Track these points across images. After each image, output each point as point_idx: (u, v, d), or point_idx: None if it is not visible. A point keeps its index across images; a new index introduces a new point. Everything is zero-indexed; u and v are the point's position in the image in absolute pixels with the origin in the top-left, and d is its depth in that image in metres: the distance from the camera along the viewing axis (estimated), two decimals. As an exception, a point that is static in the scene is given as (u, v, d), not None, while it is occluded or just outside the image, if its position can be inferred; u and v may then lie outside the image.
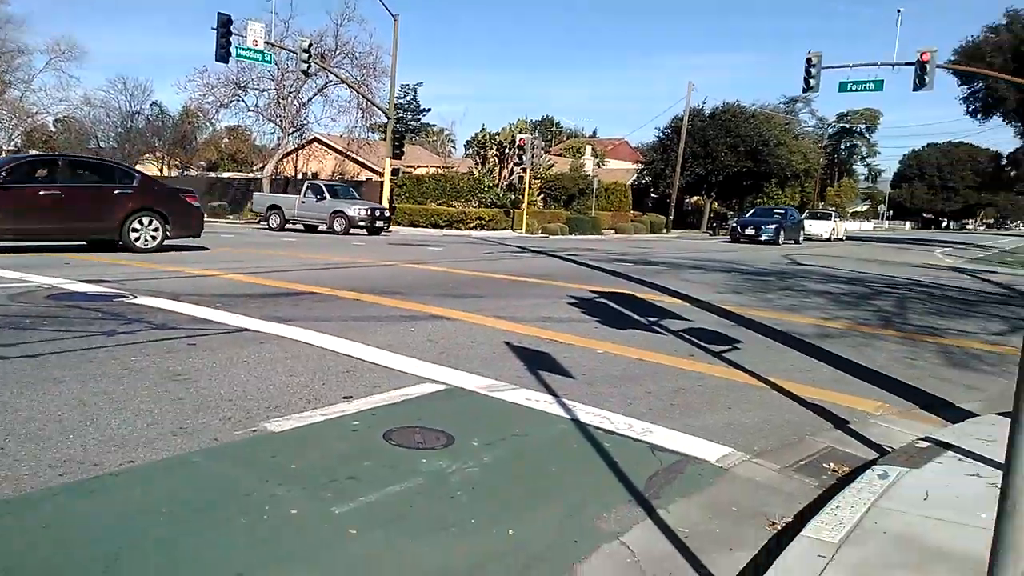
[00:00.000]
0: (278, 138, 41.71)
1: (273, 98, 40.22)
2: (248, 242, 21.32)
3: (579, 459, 4.17)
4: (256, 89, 40.01)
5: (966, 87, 42.71)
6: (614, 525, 3.36)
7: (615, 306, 10.18)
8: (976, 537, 3.12)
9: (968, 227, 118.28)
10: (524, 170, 35.88)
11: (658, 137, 51.57)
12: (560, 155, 57.16)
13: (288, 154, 45.82)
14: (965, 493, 3.63)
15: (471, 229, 33.55)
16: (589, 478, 3.90)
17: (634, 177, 54.13)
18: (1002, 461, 3.96)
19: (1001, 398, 5.86)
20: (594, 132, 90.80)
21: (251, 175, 47.46)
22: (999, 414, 5.11)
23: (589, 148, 62.30)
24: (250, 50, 28.93)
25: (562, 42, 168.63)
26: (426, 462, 3.96)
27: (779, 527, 3.46)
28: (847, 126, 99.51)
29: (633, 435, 4.59)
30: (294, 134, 42.78)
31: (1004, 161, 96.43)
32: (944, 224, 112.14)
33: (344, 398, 5.04)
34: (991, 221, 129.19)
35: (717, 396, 5.69)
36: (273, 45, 31.83)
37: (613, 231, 39.91)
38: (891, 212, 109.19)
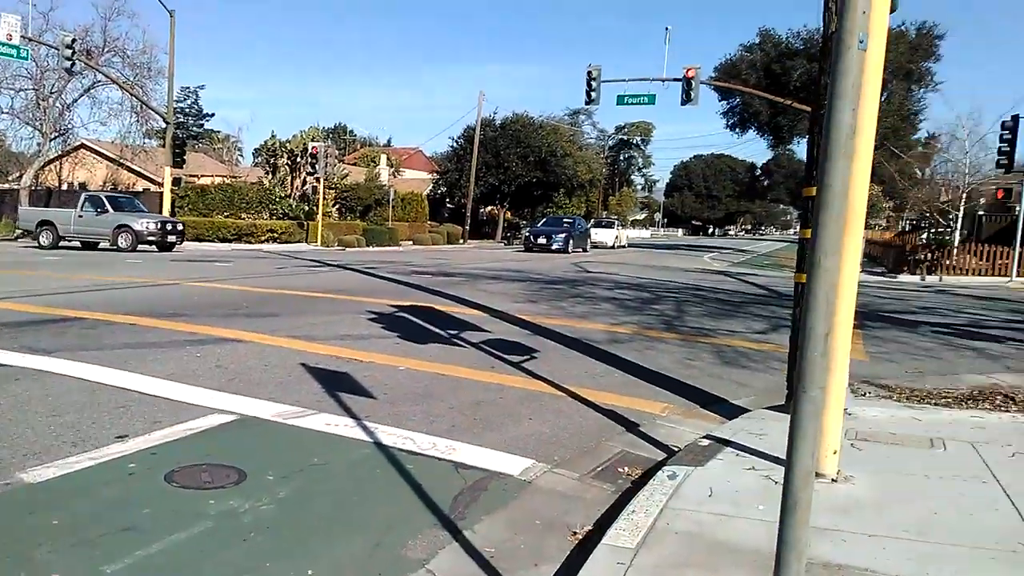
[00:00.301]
0: (38, 144, 37.40)
1: (31, 99, 35.99)
2: (5, 262, 18.92)
3: (383, 485, 4.05)
4: (11, 89, 35.57)
5: (725, 102, 46.86)
6: (421, 552, 3.28)
7: (415, 320, 10.11)
8: (755, 528, 3.38)
9: (731, 233, 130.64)
10: (318, 180, 34.81)
11: (452, 147, 52.13)
12: (355, 164, 56.27)
13: (51, 162, 41.16)
14: (744, 487, 3.93)
15: (263, 242, 32.06)
16: (394, 504, 3.79)
17: (430, 187, 54.36)
18: (773, 454, 4.35)
19: (767, 392, 6.45)
20: (388, 141, 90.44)
21: (6, 186, 42.19)
22: (767, 408, 5.63)
23: (384, 157, 61.85)
24: (3, 44, 25.79)
25: (353, 47, 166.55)
26: (215, 503, 3.66)
27: (580, 537, 3.55)
28: (625, 138, 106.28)
29: (437, 454, 4.54)
30: (57, 140, 38.51)
31: (759, 172, 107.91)
32: (710, 231, 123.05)
33: (118, 438, 4.55)
34: (749, 227, 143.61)
35: (518, 407, 5.79)
36: (30, 40, 28.54)
37: (411, 242, 39.85)
38: (666, 220, 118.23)
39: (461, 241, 44.75)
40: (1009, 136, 23.12)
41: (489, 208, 56.41)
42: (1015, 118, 23.09)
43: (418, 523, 3.57)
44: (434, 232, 43.07)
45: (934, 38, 38.44)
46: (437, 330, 9.27)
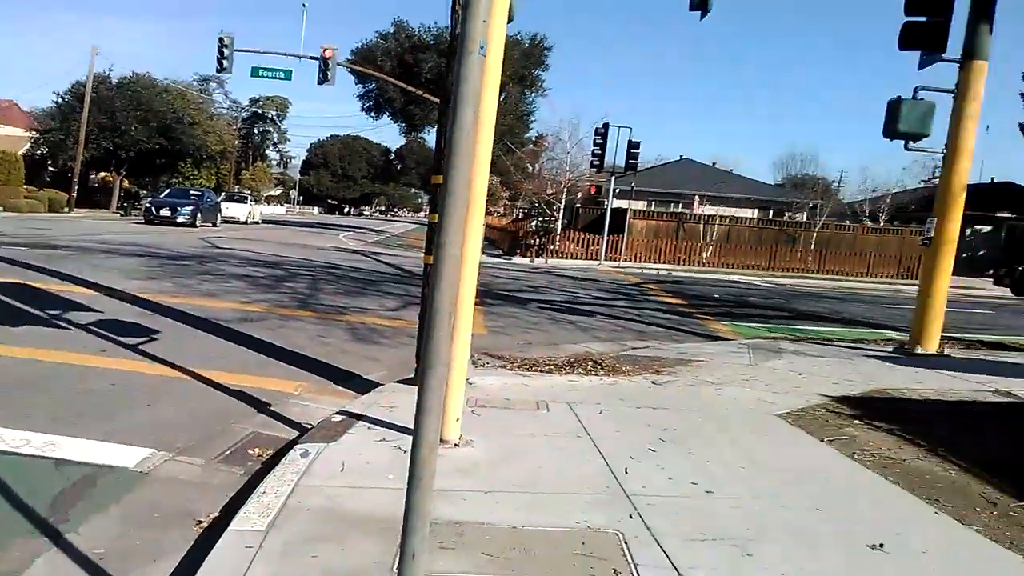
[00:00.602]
0: None
1: None
2: None
3: (-42, 493, 3.43)
4: None
5: (362, 86, 47.29)
6: (9, 565, 2.85)
7: (4, 299, 8.65)
8: (385, 497, 3.52)
9: (365, 213, 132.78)
10: None
11: (57, 103, 45.32)
12: (-81, 112, 46.14)
13: None
14: (375, 459, 4.07)
15: None
16: (-27, 514, 3.24)
17: (27, 146, 46.72)
18: (403, 424, 4.56)
19: (399, 367, 6.70)
20: (-31, 88, 75.89)
21: None
22: (398, 381, 5.87)
23: (-37, 107, 51.79)
24: None
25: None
26: None
27: (207, 525, 3.38)
28: (260, 111, 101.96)
29: (32, 452, 3.98)
30: None
31: (393, 156, 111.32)
32: (346, 210, 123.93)
33: None
34: (383, 208, 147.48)
35: (135, 394, 5.29)
36: None
37: (1, 208, 33.94)
38: (301, 197, 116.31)
39: (66, 209, 39.24)
40: (601, 141, 26.88)
41: (103, 174, 50.25)
42: (606, 126, 26.92)
43: (7, 533, 3.10)
44: (32, 198, 37.14)
45: (544, 49, 43.03)
46: (34, 311, 8.05)
